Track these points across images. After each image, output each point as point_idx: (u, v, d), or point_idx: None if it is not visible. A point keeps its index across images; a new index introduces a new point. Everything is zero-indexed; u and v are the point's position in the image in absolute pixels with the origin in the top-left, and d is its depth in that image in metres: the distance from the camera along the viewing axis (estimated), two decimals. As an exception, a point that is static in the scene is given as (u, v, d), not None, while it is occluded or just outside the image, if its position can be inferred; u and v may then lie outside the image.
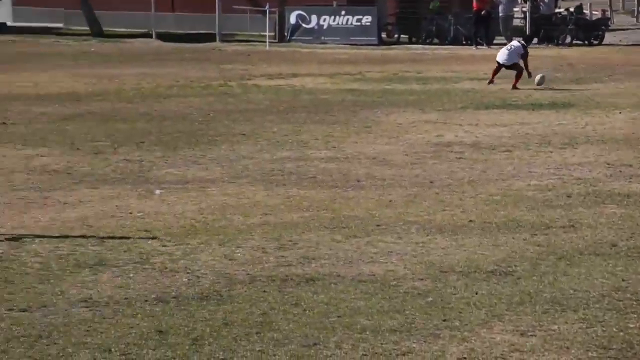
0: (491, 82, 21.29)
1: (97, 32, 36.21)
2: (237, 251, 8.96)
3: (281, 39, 35.22)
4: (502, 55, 21.11)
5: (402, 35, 35.87)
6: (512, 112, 17.73)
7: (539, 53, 29.98)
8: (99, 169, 12.79)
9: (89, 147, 14.39)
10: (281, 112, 17.90)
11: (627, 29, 40.79)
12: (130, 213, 10.40)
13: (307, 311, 7.40)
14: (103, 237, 9.36)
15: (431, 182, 11.88)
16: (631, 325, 7.09)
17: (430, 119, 16.92)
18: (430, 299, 7.64)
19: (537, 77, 20.98)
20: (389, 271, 8.34)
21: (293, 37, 35.07)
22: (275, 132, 15.65)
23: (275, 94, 20.49)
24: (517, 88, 20.63)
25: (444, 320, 7.20)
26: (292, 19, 35.21)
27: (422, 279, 8.12)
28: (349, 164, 13.01)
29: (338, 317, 7.28)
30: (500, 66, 21.17)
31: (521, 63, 20.99)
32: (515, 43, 21.76)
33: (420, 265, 8.51)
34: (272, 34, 34.86)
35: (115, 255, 8.80)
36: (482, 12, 32.97)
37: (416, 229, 9.67)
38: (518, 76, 20.85)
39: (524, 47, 21.12)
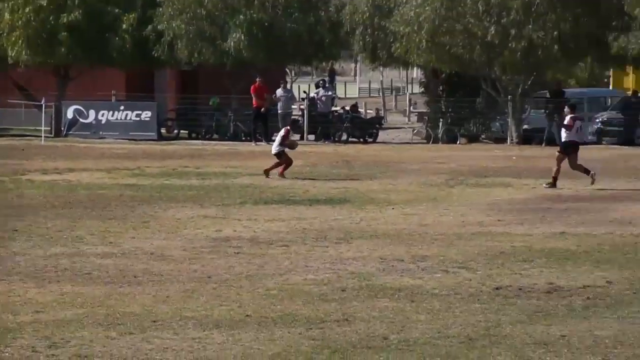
0: (267, 172, 22.33)
1: None
2: (5, 351, 8.61)
3: (57, 133, 34.63)
4: (274, 146, 23.05)
5: (181, 131, 36.00)
6: (290, 207, 17.99)
7: (317, 149, 30.67)
8: None
9: None
10: (56, 208, 17.50)
11: (400, 128, 42.42)
12: None
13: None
14: None
15: (209, 277, 11.85)
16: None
17: (209, 214, 16.94)
18: (206, 395, 7.56)
19: None
20: (164, 368, 8.21)
21: (70, 132, 34.55)
22: (49, 228, 15.27)
23: (50, 189, 20.03)
24: (284, 176, 22.14)
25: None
26: (70, 113, 34.73)
27: (197, 376, 8.03)
28: (126, 260, 12.81)
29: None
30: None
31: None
32: (282, 132, 23.34)
33: (197, 361, 8.43)
34: (48, 128, 34.24)
35: None
36: (262, 109, 33.59)
37: (193, 325, 9.58)
38: (286, 165, 22.40)
39: (287, 131, 22.96)
